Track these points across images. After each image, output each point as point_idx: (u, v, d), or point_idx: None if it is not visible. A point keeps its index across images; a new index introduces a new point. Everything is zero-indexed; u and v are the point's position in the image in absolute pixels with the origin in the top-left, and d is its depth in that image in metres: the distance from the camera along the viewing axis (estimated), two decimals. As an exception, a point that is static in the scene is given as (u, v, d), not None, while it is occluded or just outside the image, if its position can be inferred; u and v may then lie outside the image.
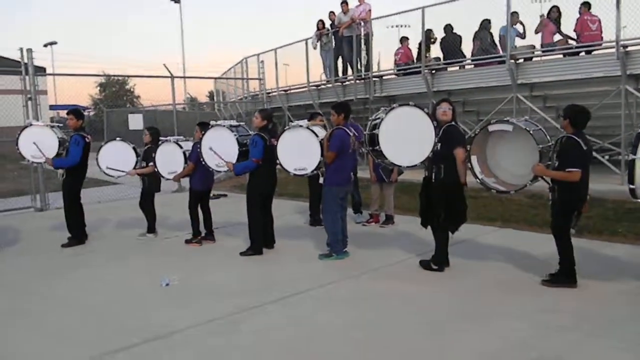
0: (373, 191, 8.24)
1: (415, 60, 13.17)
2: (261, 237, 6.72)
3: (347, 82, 14.83)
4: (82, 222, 7.60)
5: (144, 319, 4.69)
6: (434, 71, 12.63)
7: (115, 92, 46.39)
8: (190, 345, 4.14)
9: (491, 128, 5.39)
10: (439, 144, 5.42)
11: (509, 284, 5.33)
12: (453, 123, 5.56)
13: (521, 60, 11.21)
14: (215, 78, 23.61)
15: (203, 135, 6.77)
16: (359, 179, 8.60)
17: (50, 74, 19.93)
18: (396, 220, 8.13)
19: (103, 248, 7.33)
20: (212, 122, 6.89)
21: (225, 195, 11.56)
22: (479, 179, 5.37)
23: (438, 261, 5.76)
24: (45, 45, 47.54)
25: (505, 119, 5.40)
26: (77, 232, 7.50)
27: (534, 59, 11.40)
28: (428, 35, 12.44)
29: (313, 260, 6.37)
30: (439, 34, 12.41)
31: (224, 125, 6.72)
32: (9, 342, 4.27)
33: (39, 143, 7.16)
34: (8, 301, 5.26)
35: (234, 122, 6.90)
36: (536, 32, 11.17)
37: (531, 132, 5.08)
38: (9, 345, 4.21)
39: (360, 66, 14.04)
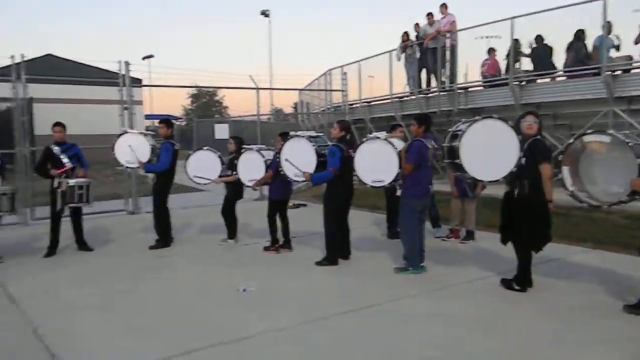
0: (454, 205, 8.01)
1: (503, 72, 12.74)
2: (337, 247, 6.73)
3: (430, 94, 14.60)
4: (168, 225, 7.97)
5: (220, 322, 4.81)
6: (523, 83, 12.16)
7: (206, 103, 48.48)
8: (261, 351, 4.20)
9: (587, 139, 5.08)
10: (524, 159, 5.19)
11: (596, 308, 4.98)
12: (539, 137, 5.31)
13: (618, 72, 10.53)
14: (299, 89, 24.05)
15: (283, 145, 6.90)
16: (436, 193, 8.40)
17: (145, 85, 21.13)
18: (477, 237, 7.86)
19: (186, 251, 7.64)
20: (291, 133, 7.01)
21: (304, 205, 11.70)
22: (569, 192, 5.08)
23: (520, 281, 5.50)
24: (143, 59, 50.35)
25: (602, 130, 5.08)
26: (164, 235, 7.87)
27: (632, 70, 10.67)
28: (517, 46, 12.01)
29: (388, 274, 6.28)
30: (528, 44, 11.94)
31: (303, 136, 6.81)
32: (95, 336, 4.52)
33: (134, 149, 7.60)
34: (97, 297, 5.59)
35: (313, 133, 6.99)
36: (636, 42, 10.46)
37: (631, 144, 4.73)
38: (93, 339, 4.46)
39: (445, 78, 13.79)
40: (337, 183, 6.54)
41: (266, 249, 7.49)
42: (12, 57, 9.63)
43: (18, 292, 5.77)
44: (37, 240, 8.04)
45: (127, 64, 10.91)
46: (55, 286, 6.03)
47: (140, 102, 24.33)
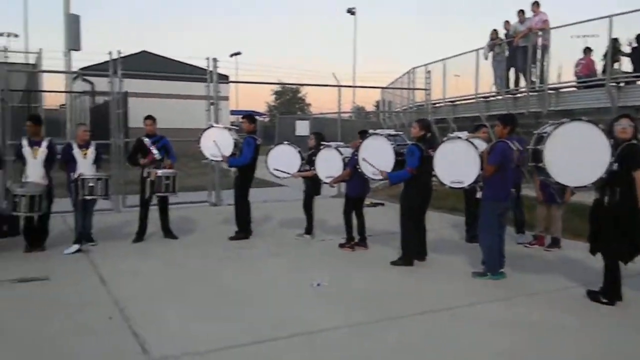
0: (539, 211, 7.65)
1: (599, 73, 12.00)
2: (413, 248, 6.64)
3: (519, 94, 14.01)
4: (248, 218, 8.20)
5: (292, 315, 4.88)
6: (621, 84, 11.39)
7: (289, 100, 49.32)
8: (333, 345, 4.23)
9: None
10: (615, 164, 4.87)
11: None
12: (634, 142, 4.95)
13: None
14: (381, 87, 23.88)
15: (361, 143, 6.89)
16: (524, 197, 8.07)
17: (231, 82, 21.81)
18: (563, 245, 7.47)
19: (264, 244, 7.83)
20: (370, 131, 6.98)
21: (382, 204, 11.62)
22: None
23: (608, 294, 5.17)
24: (231, 56, 51.81)
25: None
26: (244, 227, 8.10)
27: None
28: (615, 46, 11.26)
29: (465, 278, 6.11)
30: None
31: (382, 134, 6.77)
32: (175, 320, 4.73)
33: (218, 143, 7.88)
34: (180, 283, 5.85)
35: (392, 132, 6.92)
36: None
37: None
38: (173, 322, 4.67)
39: (535, 78, 13.19)
40: (414, 183, 6.44)
41: (341, 245, 7.52)
42: (110, 53, 10.26)
43: (108, 273, 6.16)
44: (128, 226, 8.52)
45: (214, 60, 11.32)
46: (141, 270, 6.38)
47: (226, 98, 25.18)
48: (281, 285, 5.83)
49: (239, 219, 8.09)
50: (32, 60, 18.81)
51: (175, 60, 25.90)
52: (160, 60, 26.33)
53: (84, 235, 7.47)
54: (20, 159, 7.14)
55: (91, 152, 7.44)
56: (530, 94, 13.35)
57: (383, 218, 9.40)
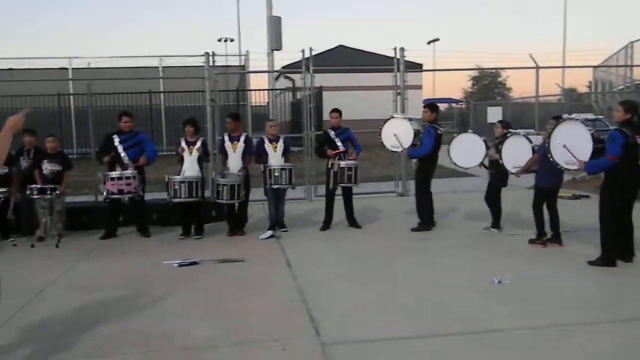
0: None
1: None
2: (615, 246, 5.86)
3: None
4: (430, 209, 8.05)
5: (469, 310, 4.68)
6: None
7: (486, 85, 47.10)
8: (509, 347, 3.96)
9: None
10: None
11: None
12: None
13: None
14: (592, 67, 21.45)
15: (553, 129, 6.27)
16: None
17: (422, 70, 21.54)
18: None
19: (447, 236, 7.62)
20: (564, 116, 6.32)
21: (587, 197, 10.47)
22: None
23: None
24: (428, 43, 50.32)
25: None
26: (426, 218, 7.99)
27: None
28: None
29: (681, 284, 5.22)
30: None
31: (578, 119, 6.07)
32: (349, 306, 4.85)
33: (398, 134, 7.87)
34: (358, 271, 6.01)
35: (590, 116, 6.17)
36: None
37: None
38: (347, 308, 4.79)
39: None
40: (617, 173, 5.66)
41: (532, 241, 6.97)
42: (302, 51, 10.87)
43: (294, 258, 6.59)
44: (317, 215, 8.98)
45: (402, 50, 11.29)
46: (324, 256, 6.70)
47: (419, 87, 25.00)
48: (459, 280, 5.62)
49: (421, 210, 7.99)
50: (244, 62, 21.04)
51: (369, 52, 26.42)
52: (355, 53, 27.17)
53: (277, 222, 8.09)
54: (222, 152, 7.99)
55: (280, 145, 8.00)
56: None
57: (585, 212, 8.42)
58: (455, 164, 7.85)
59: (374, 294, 5.22)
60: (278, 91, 20.94)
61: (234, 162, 7.85)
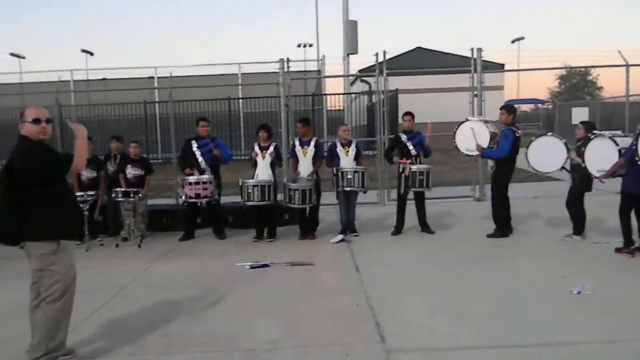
0: None
1: None
2: None
3: None
4: (507, 215, 7.74)
5: (543, 321, 4.45)
6: None
7: (575, 85, 44.71)
8: (582, 364, 3.73)
9: None
10: None
11: None
12: None
13: None
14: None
15: (640, 131, 5.85)
16: None
17: (502, 70, 20.78)
18: None
19: (524, 243, 7.30)
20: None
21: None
22: None
23: None
24: (512, 42, 48.63)
25: None
26: (501, 224, 7.69)
27: None
28: None
29: None
30: None
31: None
32: (416, 312, 4.75)
33: (472, 137, 7.63)
34: (427, 276, 5.88)
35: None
36: None
37: None
38: (413, 314, 4.70)
39: None
40: None
41: (618, 250, 6.53)
42: (376, 54, 10.83)
43: (363, 262, 6.56)
44: (389, 219, 8.88)
45: (479, 50, 10.96)
46: (393, 262, 6.60)
47: (500, 88, 24.14)
48: (535, 288, 5.35)
49: (496, 215, 7.70)
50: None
51: (448, 53, 25.87)
52: (434, 55, 26.68)
53: (348, 226, 8.09)
54: (293, 157, 8.10)
55: (352, 149, 8.01)
56: None
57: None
58: (533, 168, 7.50)
59: (443, 301, 5.09)
60: (353, 95, 20.91)
61: (305, 166, 7.93)
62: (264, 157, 7.95)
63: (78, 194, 7.81)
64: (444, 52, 26.35)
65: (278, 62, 10.54)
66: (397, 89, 16.86)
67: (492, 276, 5.89)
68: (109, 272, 6.49)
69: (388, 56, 11.06)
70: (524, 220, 8.57)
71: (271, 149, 7.97)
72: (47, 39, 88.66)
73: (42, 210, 3.69)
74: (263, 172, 7.90)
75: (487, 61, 11.10)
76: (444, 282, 5.72)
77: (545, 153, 7.30)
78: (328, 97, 20.66)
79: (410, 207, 8.20)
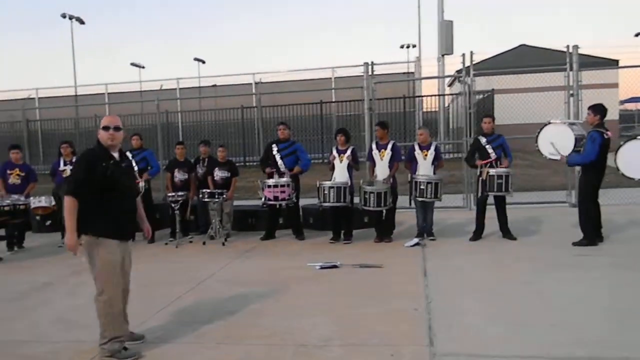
0: None
1: None
2: None
3: None
4: (595, 223, 7.30)
5: (602, 336, 4.22)
6: None
7: None
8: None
9: None
10: None
11: None
12: None
13: None
14: None
15: None
16: None
17: (603, 68, 19.30)
18: None
19: (612, 253, 6.84)
20: None
21: None
22: None
23: None
24: (636, 35, 44.91)
25: None
26: (589, 232, 7.26)
27: None
28: None
29: None
30: None
31: None
32: (473, 319, 4.68)
33: (555, 143, 7.29)
34: (493, 284, 5.73)
35: None
36: None
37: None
38: (469, 323, 4.63)
39: None
40: None
41: None
42: (463, 55, 10.62)
43: (432, 267, 6.52)
44: (471, 225, 8.64)
45: (575, 47, 10.37)
46: (464, 267, 6.50)
47: (614, 85, 22.45)
48: (605, 303, 5.05)
49: (583, 223, 7.28)
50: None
51: (556, 50, 24.40)
52: (539, 52, 25.31)
53: (425, 230, 8.05)
54: (370, 160, 8.20)
55: (431, 152, 7.96)
56: None
57: None
58: (623, 175, 7.00)
59: (505, 310, 4.96)
60: (451, 96, 20.49)
61: (382, 170, 8.00)
62: (341, 161, 8.13)
63: (169, 194, 8.51)
64: (550, 49, 24.92)
65: (363, 65, 10.68)
66: (492, 90, 16.33)
67: (564, 286, 5.62)
68: (192, 267, 7.01)
69: (490, 55, 10.81)
70: (620, 228, 8.06)
71: (348, 152, 8.13)
72: (162, 48, 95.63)
73: (84, 205, 4.05)
74: (340, 175, 8.08)
75: (597, 57, 10.42)
76: (511, 289, 5.55)
77: (636, 155, 6.81)
78: (424, 99, 20.43)
79: (492, 212, 7.98)
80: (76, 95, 26.37)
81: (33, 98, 24.35)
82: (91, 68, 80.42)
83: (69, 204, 3.99)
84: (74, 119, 23.31)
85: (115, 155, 4.25)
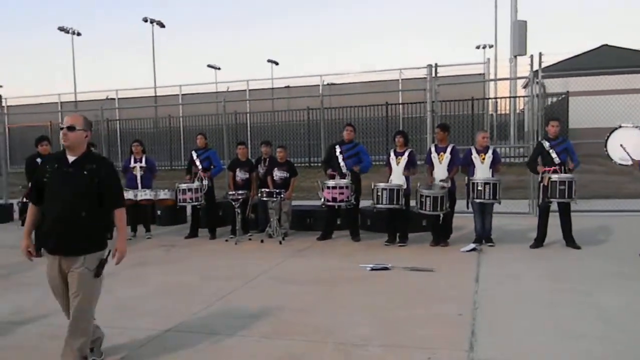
0: None
1: None
2: None
3: None
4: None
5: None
6: None
7: None
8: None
9: None
10: None
11: None
12: None
13: None
14: None
15: None
16: None
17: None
18: None
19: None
20: None
21: None
22: None
23: None
24: None
25: None
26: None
27: None
28: None
29: None
30: None
31: None
32: (518, 329, 4.57)
33: (626, 146, 6.96)
34: (544, 293, 5.54)
35: None
36: None
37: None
38: (513, 332, 4.53)
39: None
40: None
41: None
42: (531, 56, 10.30)
43: (485, 273, 6.40)
44: (534, 231, 8.38)
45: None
46: (519, 275, 6.31)
47: None
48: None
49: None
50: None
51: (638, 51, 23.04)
52: (622, 53, 23.95)
53: (483, 236, 7.89)
54: (429, 163, 8.11)
55: (489, 156, 7.79)
56: None
57: None
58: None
59: (555, 318, 4.81)
60: (526, 99, 19.78)
61: (440, 173, 7.92)
62: (398, 163, 8.12)
63: (230, 192, 8.83)
64: (634, 50, 23.52)
65: (426, 67, 10.59)
66: (567, 92, 15.64)
67: (622, 297, 5.36)
68: (247, 264, 7.25)
69: (571, 54, 10.45)
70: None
71: (405, 155, 8.11)
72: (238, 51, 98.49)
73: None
74: (396, 177, 8.08)
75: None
76: (566, 300, 5.35)
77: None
78: (499, 101, 19.89)
79: (558, 220, 7.68)
80: (155, 96, 27.72)
81: (113, 99, 25.81)
82: (171, 70, 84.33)
83: (28, 209, 3.82)
84: (152, 119, 24.51)
85: (71, 158, 3.70)
